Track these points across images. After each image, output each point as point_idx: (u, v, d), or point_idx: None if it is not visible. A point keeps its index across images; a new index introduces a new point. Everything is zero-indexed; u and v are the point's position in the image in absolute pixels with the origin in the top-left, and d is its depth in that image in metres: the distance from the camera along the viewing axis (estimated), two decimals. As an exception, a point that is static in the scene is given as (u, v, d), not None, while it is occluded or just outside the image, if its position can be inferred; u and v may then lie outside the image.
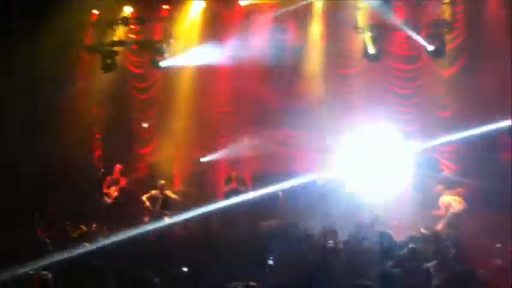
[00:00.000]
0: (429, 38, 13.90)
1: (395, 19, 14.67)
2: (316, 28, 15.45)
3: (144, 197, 13.89)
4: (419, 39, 14.22)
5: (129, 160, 16.55)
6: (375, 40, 13.96)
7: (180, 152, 16.32)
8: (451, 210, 12.26)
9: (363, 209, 12.67)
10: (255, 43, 15.77)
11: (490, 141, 13.65)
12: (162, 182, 14.08)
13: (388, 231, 9.60)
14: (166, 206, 13.75)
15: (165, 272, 7.10)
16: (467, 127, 14.41)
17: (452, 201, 12.40)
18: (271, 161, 15.77)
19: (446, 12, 13.76)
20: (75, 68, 15.99)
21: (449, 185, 13.27)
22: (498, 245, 10.46)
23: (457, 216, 12.20)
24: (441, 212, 12.49)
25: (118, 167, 14.71)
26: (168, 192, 13.91)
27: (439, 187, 13.10)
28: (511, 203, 11.69)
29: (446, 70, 14.96)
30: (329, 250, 8.16)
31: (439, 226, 12.02)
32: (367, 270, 7.39)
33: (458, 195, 12.63)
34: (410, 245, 8.57)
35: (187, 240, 10.67)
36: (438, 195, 12.95)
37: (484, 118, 13.97)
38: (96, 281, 7.20)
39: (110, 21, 15.39)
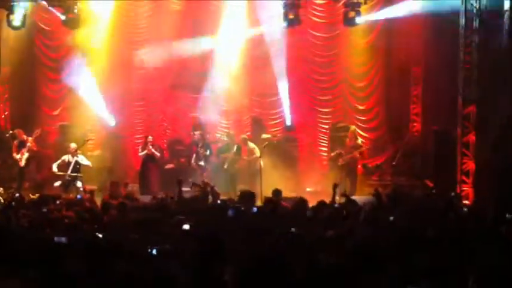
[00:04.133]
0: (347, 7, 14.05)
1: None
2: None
3: (54, 166, 13.37)
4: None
5: (38, 121, 15.93)
6: (293, 6, 13.92)
7: (93, 114, 15.83)
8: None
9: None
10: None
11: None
12: (73, 145, 13.58)
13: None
14: (78, 171, 13.31)
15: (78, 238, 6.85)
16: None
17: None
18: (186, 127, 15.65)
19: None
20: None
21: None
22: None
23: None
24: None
25: (18, 131, 14.09)
26: (81, 157, 13.43)
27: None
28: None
29: (362, 40, 15.27)
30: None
31: None
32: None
33: None
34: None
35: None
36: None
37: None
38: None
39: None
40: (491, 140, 12.41)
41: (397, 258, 5.98)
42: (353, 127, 14.67)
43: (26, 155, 13.72)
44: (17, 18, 14.02)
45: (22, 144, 13.82)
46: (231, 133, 15.16)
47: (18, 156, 13.72)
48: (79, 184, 13.06)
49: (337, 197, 9.48)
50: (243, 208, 8.32)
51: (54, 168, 13.33)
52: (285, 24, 14.28)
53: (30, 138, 13.83)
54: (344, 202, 9.21)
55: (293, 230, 6.66)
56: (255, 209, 8.35)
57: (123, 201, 9.02)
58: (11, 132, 14.73)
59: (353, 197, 9.71)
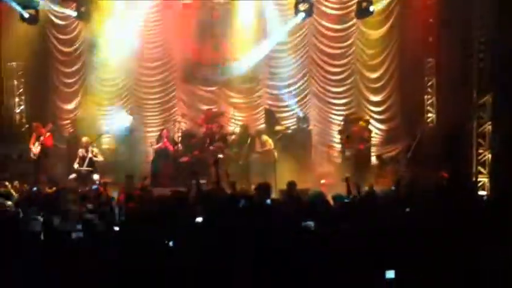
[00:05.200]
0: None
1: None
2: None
3: (75, 164, 13.49)
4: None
5: (52, 115, 16.00)
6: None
7: (107, 108, 15.85)
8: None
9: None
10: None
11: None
12: (85, 139, 13.65)
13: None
14: (93, 165, 13.38)
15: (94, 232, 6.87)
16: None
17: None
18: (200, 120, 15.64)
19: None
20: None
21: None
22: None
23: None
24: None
25: (36, 124, 14.22)
26: (94, 151, 13.50)
27: None
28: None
29: (375, 31, 15.16)
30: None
31: None
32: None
33: None
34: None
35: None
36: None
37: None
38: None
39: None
40: (507, 130, 12.29)
41: (413, 250, 5.98)
42: (366, 119, 14.65)
43: (38, 148, 13.83)
44: (30, 13, 14.06)
45: (39, 138, 13.96)
46: (245, 125, 15.15)
47: (32, 148, 13.85)
48: (96, 177, 13.05)
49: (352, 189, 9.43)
50: (255, 199, 8.32)
51: (76, 166, 13.44)
52: (296, 15, 14.22)
53: (47, 134, 13.94)
54: (362, 194, 9.18)
55: (308, 223, 6.64)
56: (268, 201, 8.33)
57: (142, 194, 9.07)
58: (27, 126, 14.83)
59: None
